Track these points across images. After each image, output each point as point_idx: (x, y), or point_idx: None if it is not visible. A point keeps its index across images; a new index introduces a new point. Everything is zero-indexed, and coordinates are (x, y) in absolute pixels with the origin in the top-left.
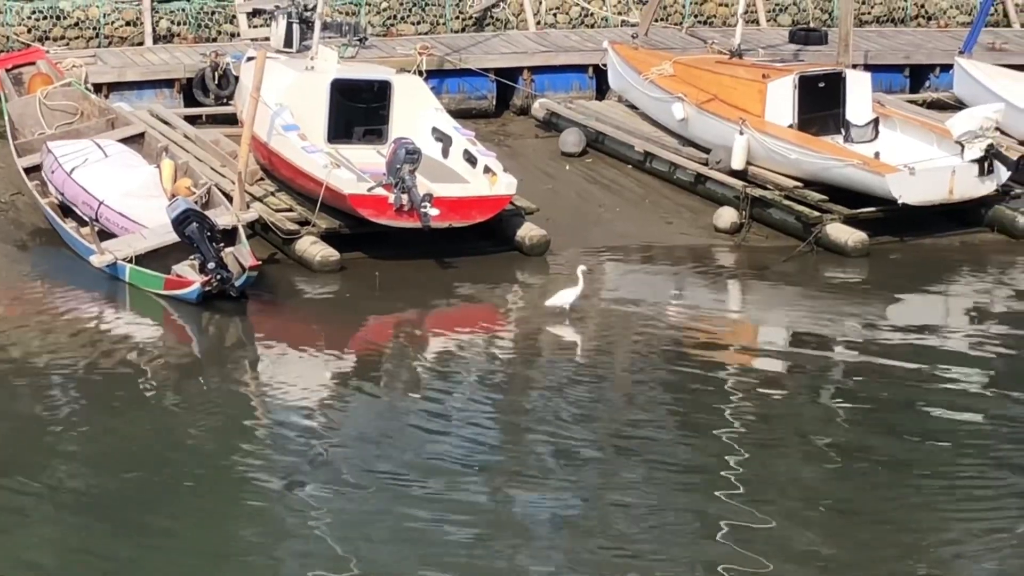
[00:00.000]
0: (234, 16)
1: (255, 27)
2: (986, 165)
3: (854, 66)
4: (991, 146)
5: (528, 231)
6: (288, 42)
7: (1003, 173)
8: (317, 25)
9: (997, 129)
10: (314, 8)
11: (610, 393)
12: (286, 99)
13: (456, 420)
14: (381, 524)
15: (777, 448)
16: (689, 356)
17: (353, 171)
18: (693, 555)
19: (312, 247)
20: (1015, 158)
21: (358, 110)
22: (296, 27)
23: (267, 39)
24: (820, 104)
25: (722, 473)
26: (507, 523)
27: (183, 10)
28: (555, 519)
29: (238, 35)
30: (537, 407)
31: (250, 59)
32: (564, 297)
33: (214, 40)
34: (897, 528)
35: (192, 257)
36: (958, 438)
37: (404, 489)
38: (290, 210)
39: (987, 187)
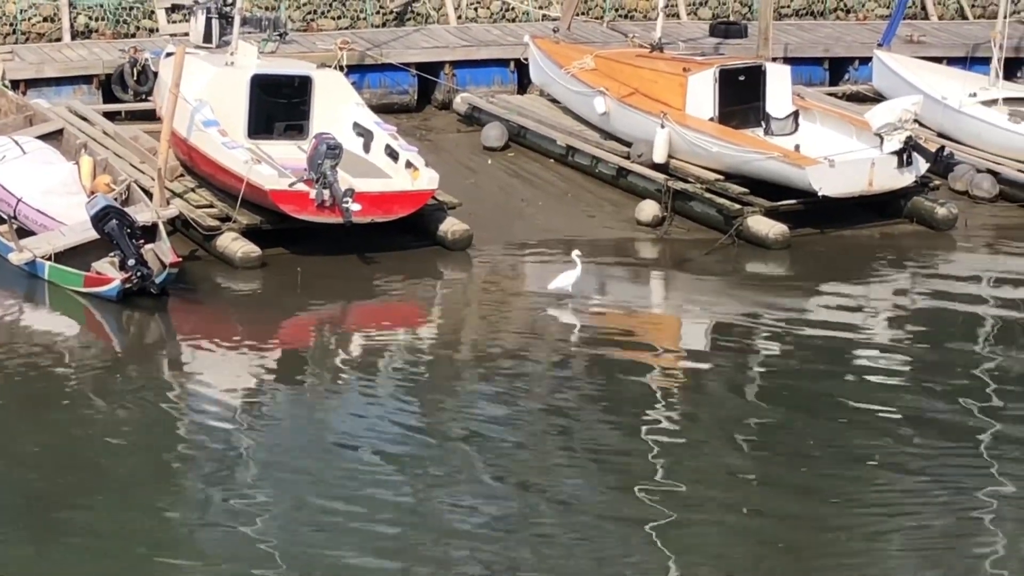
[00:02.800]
0: (153, 11)
1: (174, 22)
2: (905, 157)
3: (774, 59)
4: (910, 138)
5: (450, 226)
6: (207, 37)
7: (922, 165)
8: (236, 20)
9: (915, 121)
10: (233, 3)
11: (533, 386)
12: (206, 95)
13: (379, 415)
14: (305, 518)
15: (698, 436)
16: (612, 349)
17: (274, 167)
18: (620, 546)
19: (233, 243)
20: (933, 150)
21: (279, 105)
22: (215, 22)
23: (186, 34)
24: (740, 97)
25: (646, 461)
26: (429, 516)
27: (101, 6)
28: (478, 512)
29: (157, 31)
30: (460, 401)
31: (169, 55)
32: (565, 279)
33: (133, 36)
34: (818, 518)
35: (112, 254)
36: (875, 424)
37: (327, 483)
38: (211, 206)
39: (906, 179)
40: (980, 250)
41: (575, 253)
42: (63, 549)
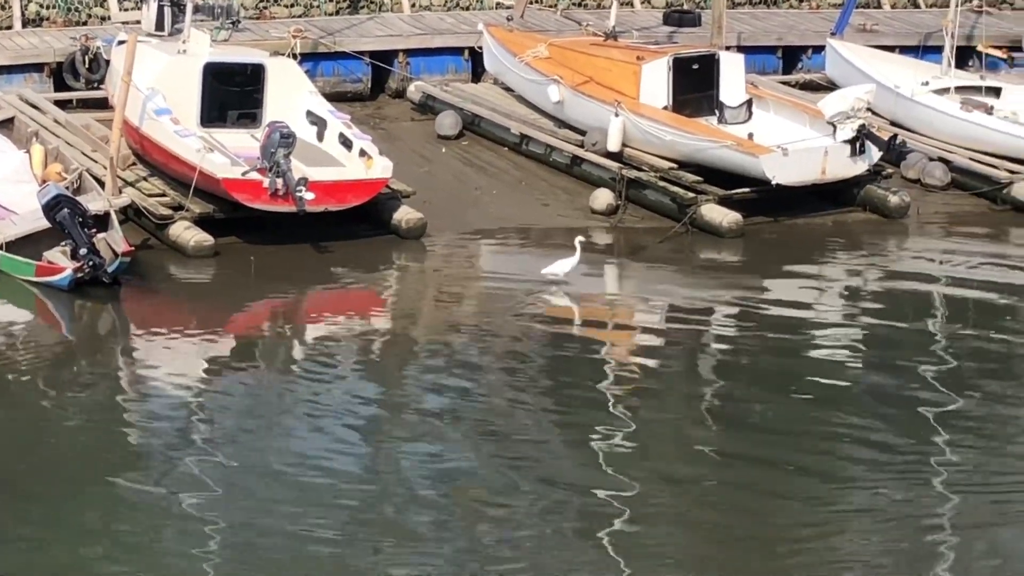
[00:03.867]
0: None
1: (126, 10)
2: (858, 145)
3: (728, 48)
4: (863, 126)
5: (404, 214)
6: (160, 25)
7: (874, 153)
8: (189, 8)
9: (868, 110)
10: None
11: (488, 374)
12: (158, 83)
13: (333, 403)
14: (257, 506)
15: (653, 423)
16: (566, 337)
17: (227, 155)
18: (577, 530)
19: (186, 232)
20: (886, 138)
21: (231, 94)
22: (168, 10)
23: (138, 22)
24: (694, 86)
25: (603, 445)
26: (382, 505)
27: None
28: (435, 502)
29: (109, 18)
30: (415, 389)
31: (121, 43)
32: (562, 266)
33: (84, 24)
34: (777, 493)
35: (64, 243)
36: (827, 408)
37: (280, 472)
38: (163, 195)
39: (859, 167)
40: (932, 238)
41: (578, 239)
42: (11, 540)
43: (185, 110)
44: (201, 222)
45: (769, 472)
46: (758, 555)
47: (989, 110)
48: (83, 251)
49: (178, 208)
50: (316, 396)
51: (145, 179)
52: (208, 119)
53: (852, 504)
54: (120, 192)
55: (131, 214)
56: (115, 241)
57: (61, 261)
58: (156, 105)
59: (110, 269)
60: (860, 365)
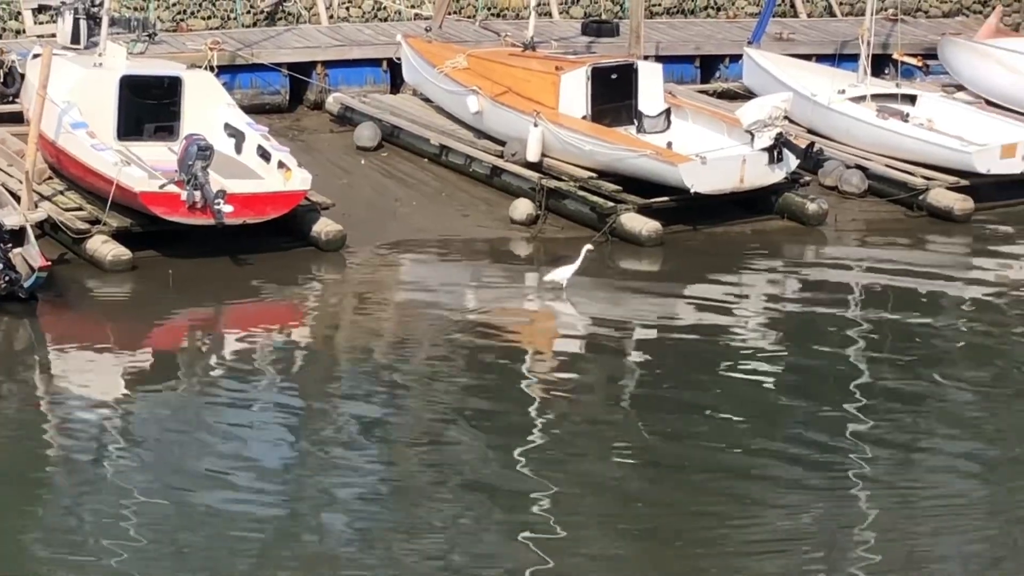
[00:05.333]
0: (19, 12)
1: (41, 23)
2: (775, 153)
3: (646, 57)
4: (780, 135)
5: (324, 226)
6: (75, 38)
7: (792, 161)
8: (105, 21)
9: (786, 118)
10: (101, 4)
11: (409, 384)
12: (74, 96)
13: (253, 417)
14: (177, 522)
15: (573, 431)
16: (486, 347)
17: (144, 168)
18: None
19: (103, 246)
20: (803, 146)
21: (148, 107)
22: (83, 23)
23: (54, 35)
24: (613, 95)
25: (524, 450)
26: (304, 516)
27: None
28: (358, 511)
29: (24, 32)
30: (335, 400)
31: (36, 56)
32: (562, 273)
33: None
34: (695, 502)
35: None
36: (747, 414)
37: (199, 487)
38: (80, 209)
39: (777, 175)
40: (850, 244)
41: (586, 247)
42: None
43: (101, 123)
44: (119, 236)
45: (690, 476)
46: (681, 556)
47: (905, 118)
48: None
49: (95, 222)
50: (235, 410)
51: (62, 193)
52: (125, 132)
53: (775, 504)
54: (36, 206)
55: (48, 228)
56: (31, 256)
57: None
58: (72, 119)
59: (26, 284)
60: (780, 370)
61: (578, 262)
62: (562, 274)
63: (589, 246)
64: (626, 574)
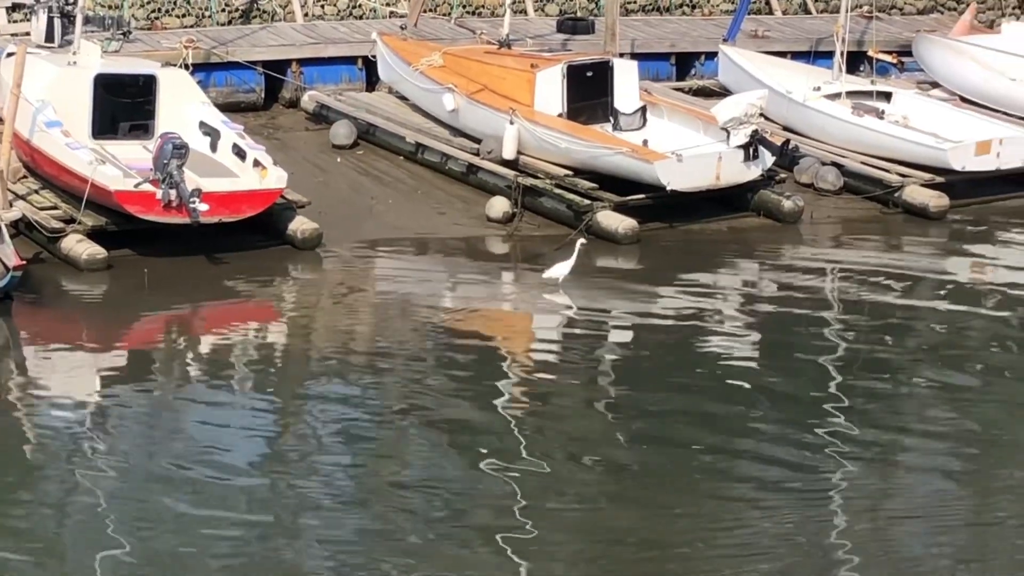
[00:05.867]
0: None
1: (15, 22)
2: (751, 151)
3: (621, 55)
4: (756, 132)
5: (300, 225)
6: (49, 37)
7: (768, 158)
8: (79, 19)
9: (761, 115)
10: (76, 2)
11: (385, 382)
12: (48, 95)
13: (230, 416)
14: (155, 524)
15: (548, 430)
16: (462, 346)
17: (119, 167)
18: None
19: (78, 245)
20: (779, 143)
21: (123, 105)
22: (57, 21)
23: (27, 34)
24: (588, 93)
25: (497, 451)
26: (278, 515)
27: None
28: (331, 508)
29: None
30: (312, 400)
31: (10, 55)
32: (559, 270)
33: None
34: (673, 503)
35: None
36: (722, 413)
37: (177, 488)
38: (55, 208)
39: (752, 172)
40: (825, 241)
41: (580, 242)
42: None
43: (76, 122)
44: (94, 235)
45: (663, 476)
46: (653, 557)
47: (880, 114)
48: None
49: (70, 221)
50: (211, 409)
51: (36, 192)
52: (100, 131)
53: (749, 506)
54: (11, 206)
55: (22, 228)
56: (6, 255)
57: None
58: (47, 117)
59: (1, 284)
60: (756, 367)
61: (573, 258)
62: (559, 271)
63: (582, 240)
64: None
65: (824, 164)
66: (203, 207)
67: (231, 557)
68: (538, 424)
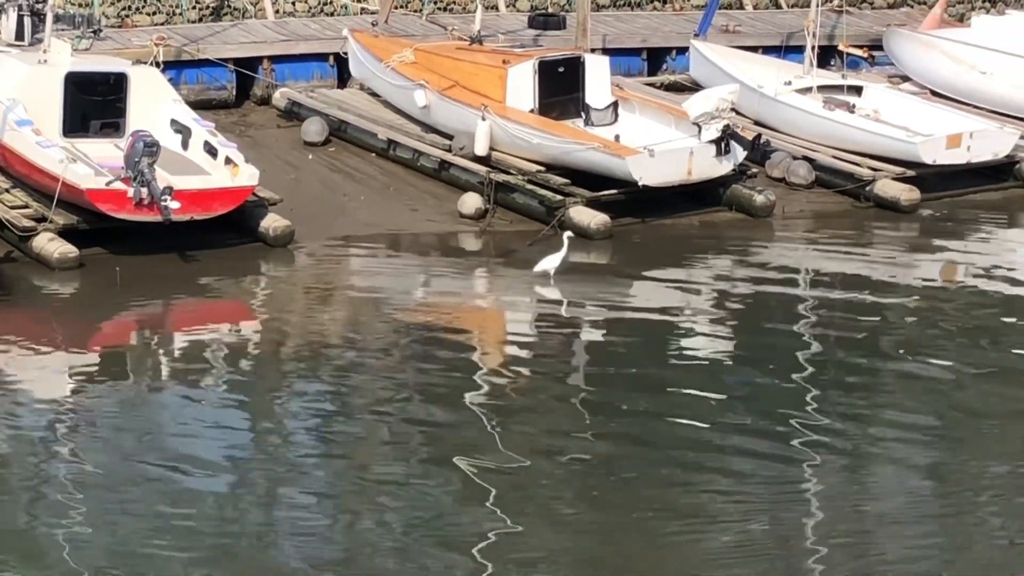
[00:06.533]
0: None
1: None
2: (723, 145)
3: (592, 50)
4: (727, 127)
5: (272, 222)
6: (19, 35)
7: (739, 153)
8: (49, 17)
9: (733, 110)
10: (45, 0)
11: (358, 380)
12: (19, 93)
13: (203, 415)
14: (129, 524)
15: (522, 427)
16: (435, 341)
17: (90, 165)
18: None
19: (49, 244)
20: (750, 138)
21: (94, 103)
22: (27, 19)
23: None
24: (560, 88)
25: (471, 451)
26: (252, 515)
27: None
28: (303, 504)
29: None
30: (286, 398)
31: None
32: (550, 262)
33: None
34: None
35: None
36: (697, 403)
37: (149, 489)
38: (26, 207)
39: (724, 167)
40: (797, 235)
41: (566, 234)
42: None
43: (47, 120)
44: (65, 234)
45: (636, 471)
46: (628, 553)
47: (851, 108)
48: None
49: (41, 220)
50: (183, 407)
51: (7, 191)
52: (71, 129)
53: (724, 500)
54: None
55: None
56: None
57: None
58: (17, 116)
59: None
60: (729, 362)
61: (563, 250)
62: (550, 263)
63: (569, 233)
64: (579, 572)
65: (795, 158)
66: (175, 205)
67: (202, 551)
68: (511, 420)
